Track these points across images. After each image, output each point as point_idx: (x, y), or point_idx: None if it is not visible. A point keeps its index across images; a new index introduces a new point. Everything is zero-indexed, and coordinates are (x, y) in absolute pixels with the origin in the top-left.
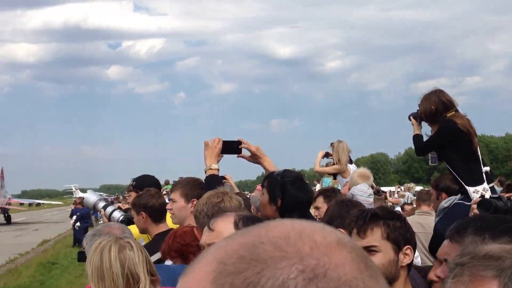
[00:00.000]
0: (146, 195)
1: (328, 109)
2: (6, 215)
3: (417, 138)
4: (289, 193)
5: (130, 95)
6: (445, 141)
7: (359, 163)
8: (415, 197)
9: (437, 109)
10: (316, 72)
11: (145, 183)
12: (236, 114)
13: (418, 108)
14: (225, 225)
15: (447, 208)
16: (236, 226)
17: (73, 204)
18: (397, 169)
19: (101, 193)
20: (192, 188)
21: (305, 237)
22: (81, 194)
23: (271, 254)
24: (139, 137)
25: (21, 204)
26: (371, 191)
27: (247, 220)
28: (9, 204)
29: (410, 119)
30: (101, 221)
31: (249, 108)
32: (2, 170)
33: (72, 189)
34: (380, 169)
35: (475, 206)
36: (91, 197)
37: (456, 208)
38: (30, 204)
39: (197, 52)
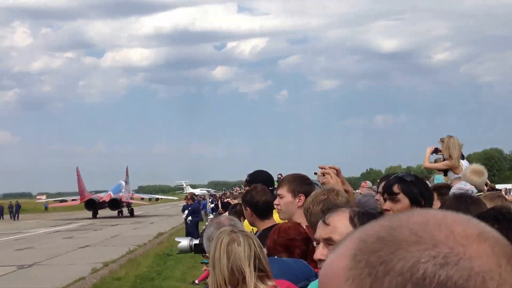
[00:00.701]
0: (252, 191)
1: (436, 103)
2: (129, 208)
3: None
4: (429, 192)
5: (235, 94)
6: None
7: (471, 159)
8: None
9: None
10: (422, 65)
11: (258, 179)
12: (339, 111)
13: None
14: (340, 220)
15: None
16: (352, 221)
17: (184, 199)
18: None
19: (209, 189)
20: (299, 184)
21: (443, 226)
22: (191, 190)
23: (406, 237)
24: (244, 135)
25: (142, 198)
26: (469, 187)
27: (362, 215)
28: (132, 198)
29: None
30: (211, 216)
31: (352, 104)
32: (127, 168)
33: (183, 185)
34: (494, 165)
35: None
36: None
37: None
38: (150, 199)
39: (299, 49)
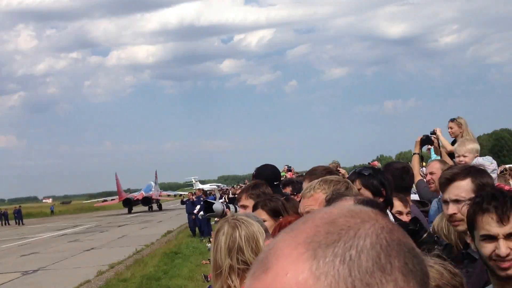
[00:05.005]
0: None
1: (445, 86)
2: (158, 204)
3: None
4: (388, 181)
5: (244, 87)
6: None
7: (480, 140)
8: None
9: None
10: (430, 49)
11: (264, 173)
12: (348, 98)
13: None
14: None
15: None
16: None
17: (193, 195)
18: None
19: (219, 184)
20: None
21: (357, 211)
22: (200, 186)
23: (352, 223)
24: (254, 127)
25: (169, 195)
26: (494, 166)
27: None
28: (160, 196)
29: None
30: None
31: (362, 91)
32: (156, 172)
33: (192, 181)
34: (505, 145)
35: None
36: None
37: None
38: (175, 195)
39: (307, 39)
